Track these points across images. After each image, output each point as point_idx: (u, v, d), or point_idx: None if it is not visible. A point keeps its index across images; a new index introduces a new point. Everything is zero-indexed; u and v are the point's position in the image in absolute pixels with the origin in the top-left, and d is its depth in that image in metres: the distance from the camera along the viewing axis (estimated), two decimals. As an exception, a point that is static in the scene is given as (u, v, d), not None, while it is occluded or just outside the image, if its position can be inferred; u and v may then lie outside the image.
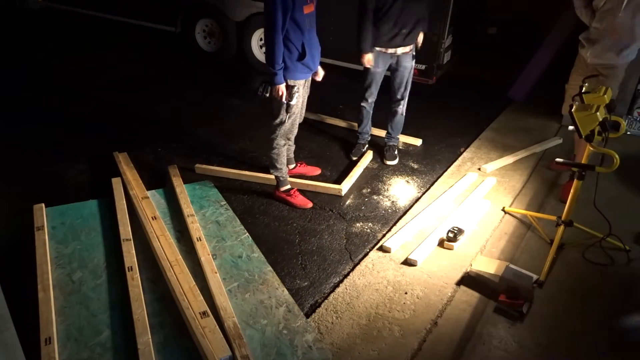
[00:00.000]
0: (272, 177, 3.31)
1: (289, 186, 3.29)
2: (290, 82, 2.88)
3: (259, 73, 5.46)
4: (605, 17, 3.07)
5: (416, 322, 2.37)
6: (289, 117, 3.01)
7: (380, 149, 3.97)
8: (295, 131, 3.19)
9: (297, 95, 2.91)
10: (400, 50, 3.44)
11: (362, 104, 3.74)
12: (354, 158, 3.88)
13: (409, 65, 3.54)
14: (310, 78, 3.09)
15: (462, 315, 2.41)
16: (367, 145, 4.00)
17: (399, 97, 3.66)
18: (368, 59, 3.42)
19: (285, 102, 2.90)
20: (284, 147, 3.17)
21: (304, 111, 3.23)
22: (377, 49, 3.43)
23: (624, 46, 3.11)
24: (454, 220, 3.05)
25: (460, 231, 2.89)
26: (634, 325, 2.31)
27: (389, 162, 3.85)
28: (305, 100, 3.17)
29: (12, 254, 2.72)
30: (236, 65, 5.74)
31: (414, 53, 3.53)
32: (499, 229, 3.07)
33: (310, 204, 3.26)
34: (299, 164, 3.63)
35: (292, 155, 3.53)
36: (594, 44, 3.19)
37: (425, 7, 3.39)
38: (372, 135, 4.05)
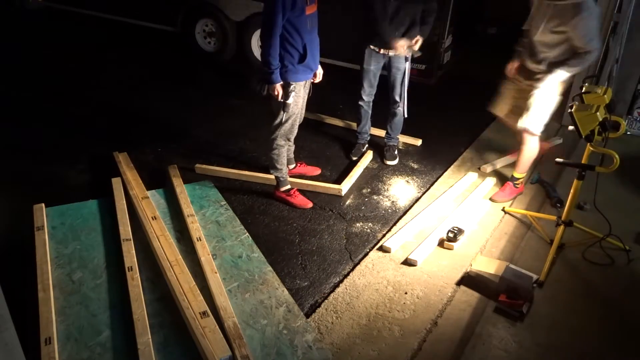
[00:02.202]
0: (272, 177, 3.31)
1: (289, 186, 3.29)
2: (292, 83, 2.87)
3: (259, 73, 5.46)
4: (527, 35, 3.11)
5: (416, 322, 2.37)
6: (288, 118, 3.01)
7: (380, 149, 3.97)
8: (295, 131, 3.19)
9: (293, 94, 2.89)
10: (392, 52, 3.45)
11: (359, 102, 3.75)
12: (354, 158, 3.88)
13: (402, 67, 3.52)
14: (310, 78, 3.09)
15: (462, 315, 2.41)
16: (367, 145, 3.99)
17: (395, 98, 3.66)
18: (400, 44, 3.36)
19: (282, 100, 2.90)
20: (285, 148, 3.17)
21: (303, 111, 3.23)
22: (371, 47, 3.47)
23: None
24: (454, 220, 3.05)
25: (460, 231, 2.89)
26: None
27: (389, 162, 3.85)
28: (305, 100, 3.17)
29: (12, 254, 2.72)
30: (236, 65, 5.74)
31: (408, 56, 3.50)
32: (499, 229, 3.07)
33: (310, 204, 3.26)
34: (298, 164, 3.64)
35: (292, 156, 3.53)
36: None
37: (421, 11, 3.37)
38: (372, 135, 4.05)
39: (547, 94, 3.05)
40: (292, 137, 3.24)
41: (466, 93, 5.31)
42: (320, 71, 3.13)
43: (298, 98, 2.97)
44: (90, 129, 4.21)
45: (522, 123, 3.13)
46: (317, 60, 3.04)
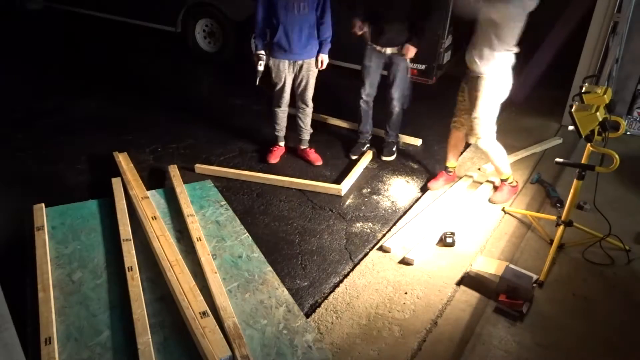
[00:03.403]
0: (272, 177, 3.46)
1: (279, 143, 3.85)
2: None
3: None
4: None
5: (416, 322, 2.37)
6: (272, 89, 3.57)
7: (380, 147, 3.97)
8: (282, 104, 3.61)
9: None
10: (389, 50, 3.52)
11: (360, 101, 3.77)
12: (354, 157, 3.88)
13: (400, 64, 3.57)
14: (294, 62, 3.42)
15: (462, 315, 2.41)
16: (367, 145, 4.00)
17: (392, 95, 3.69)
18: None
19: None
20: (279, 113, 3.68)
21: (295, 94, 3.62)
22: (371, 44, 3.54)
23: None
24: (454, 220, 3.05)
25: (455, 234, 2.89)
26: None
27: (385, 158, 3.87)
28: (297, 84, 3.53)
29: (12, 254, 2.72)
30: (236, 65, 5.74)
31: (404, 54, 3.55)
32: (499, 229, 3.07)
33: (274, 160, 3.79)
34: (308, 149, 3.85)
35: (302, 137, 3.81)
36: None
37: (411, 19, 3.42)
38: (373, 135, 4.06)
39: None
40: (283, 106, 3.64)
41: (466, 93, 5.31)
42: (322, 59, 3.46)
43: (279, 72, 3.42)
44: (90, 129, 4.21)
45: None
46: (295, 46, 3.33)
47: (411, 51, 3.49)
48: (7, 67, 5.53)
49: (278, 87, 3.51)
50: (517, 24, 2.83)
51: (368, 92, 3.71)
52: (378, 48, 3.52)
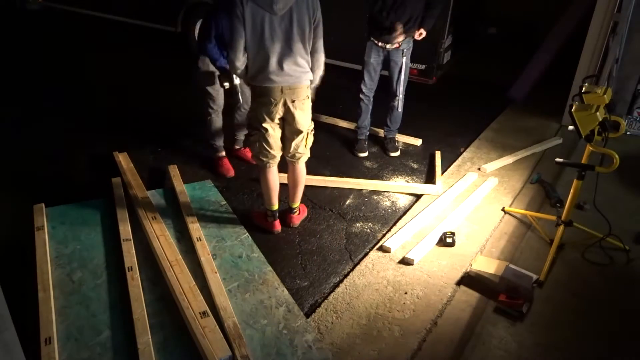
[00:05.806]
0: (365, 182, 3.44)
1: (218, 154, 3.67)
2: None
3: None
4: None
5: (416, 322, 2.37)
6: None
7: (380, 144, 3.98)
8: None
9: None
10: (389, 46, 3.57)
11: (360, 95, 3.83)
12: (361, 154, 3.91)
13: (399, 61, 3.62)
14: None
15: (462, 315, 2.41)
16: (367, 141, 4.03)
17: (392, 91, 3.76)
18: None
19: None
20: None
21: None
22: (372, 39, 3.59)
23: None
24: (454, 220, 3.05)
25: (455, 234, 2.89)
26: None
27: (392, 154, 3.94)
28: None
29: (12, 254, 2.72)
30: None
31: (405, 49, 3.59)
32: (499, 229, 3.07)
33: (231, 173, 3.56)
34: (243, 148, 3.82)
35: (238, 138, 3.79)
36: None
37: (422, 6, 3.46)
38: (371, 133, 4.07)
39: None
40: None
41: (466, 93, 5.32)
42: None
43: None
44: (90, 129, 4.21)
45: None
46: None
47: (423, 34, 3.53)
48: (6, 68, 5.53)
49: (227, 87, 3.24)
50: None
51: (369, 87, 3.78)
52: (380, 44, 3.56)
